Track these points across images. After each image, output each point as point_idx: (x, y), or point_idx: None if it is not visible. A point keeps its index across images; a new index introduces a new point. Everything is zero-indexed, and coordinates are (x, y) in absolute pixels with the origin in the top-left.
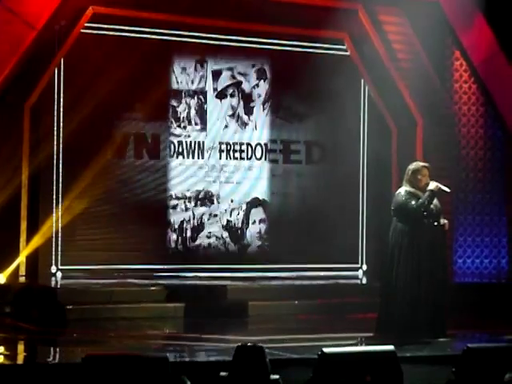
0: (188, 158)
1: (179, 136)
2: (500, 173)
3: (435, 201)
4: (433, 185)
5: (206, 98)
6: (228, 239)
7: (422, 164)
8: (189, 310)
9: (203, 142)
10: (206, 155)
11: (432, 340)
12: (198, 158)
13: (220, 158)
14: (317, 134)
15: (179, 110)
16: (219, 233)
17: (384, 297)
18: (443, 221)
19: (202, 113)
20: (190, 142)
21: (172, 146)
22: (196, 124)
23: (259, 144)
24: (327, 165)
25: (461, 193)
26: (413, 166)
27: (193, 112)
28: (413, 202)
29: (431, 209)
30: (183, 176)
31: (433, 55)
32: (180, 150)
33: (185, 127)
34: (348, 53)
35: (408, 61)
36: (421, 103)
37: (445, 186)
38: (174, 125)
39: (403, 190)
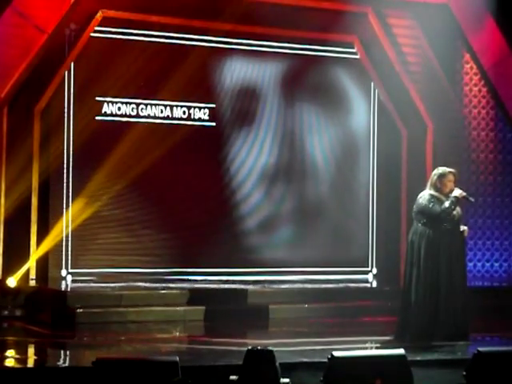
0: None
1: None
2: (511, 176)
3: (457, 207)
4: (457, 191)
5: None
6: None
7: (448, 169)
8: (199, 314)
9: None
10: (217, 157)
11: (451, 343)
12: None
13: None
14: (326, 137)
15: None
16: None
17: (403, 301)
18: (463, 227)
19: None
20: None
21: None
22: None
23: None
24: (337, 168)
25: (471, 196)
26: (440, 170)
27: None
28: (437, 206)
29: (453, 215)
30: None
31: (443, 58)
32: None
33: None
34: (358, 56)
35: (418, 64)
36: (431, 106)
37: (470, 196)
38: None
39: (427, 193)
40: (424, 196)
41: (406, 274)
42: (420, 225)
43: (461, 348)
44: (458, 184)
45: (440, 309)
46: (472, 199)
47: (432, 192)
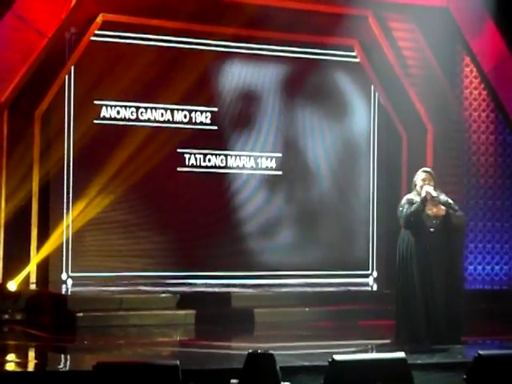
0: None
1: None
2: (511, 179)
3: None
4: (423, 191)
5: None
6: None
7: (422, 169)
8: (199, 317)
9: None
10: (216, 160)
11: (445, 347)
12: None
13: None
14: (327, 140)
15: None
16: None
17: (396, 304)
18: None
19: None
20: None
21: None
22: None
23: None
24: (337, 171)
25: (471, 199)
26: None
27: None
28: (404, 209)
29: (425, 215)
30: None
31: (443, 62)
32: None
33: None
34: (358, 59)
35: (418, 67)
36: (431, 110)
37: (436, 192)
38: None
39: (406, 196)
40: (402, 199)
41: (396, 278)
42: (403, 229)
43: (461, 351)
44: (460, 187)
45: (422, 311)
46: (434, 194)
47: (410, 195)
